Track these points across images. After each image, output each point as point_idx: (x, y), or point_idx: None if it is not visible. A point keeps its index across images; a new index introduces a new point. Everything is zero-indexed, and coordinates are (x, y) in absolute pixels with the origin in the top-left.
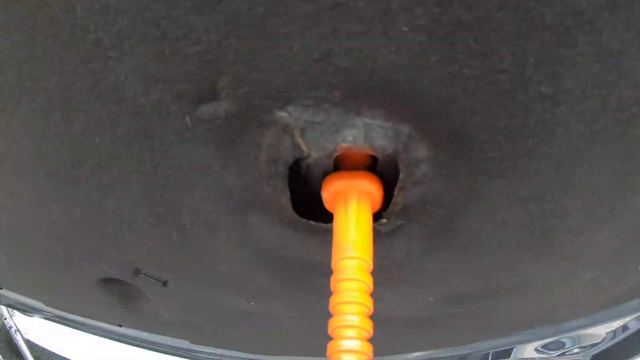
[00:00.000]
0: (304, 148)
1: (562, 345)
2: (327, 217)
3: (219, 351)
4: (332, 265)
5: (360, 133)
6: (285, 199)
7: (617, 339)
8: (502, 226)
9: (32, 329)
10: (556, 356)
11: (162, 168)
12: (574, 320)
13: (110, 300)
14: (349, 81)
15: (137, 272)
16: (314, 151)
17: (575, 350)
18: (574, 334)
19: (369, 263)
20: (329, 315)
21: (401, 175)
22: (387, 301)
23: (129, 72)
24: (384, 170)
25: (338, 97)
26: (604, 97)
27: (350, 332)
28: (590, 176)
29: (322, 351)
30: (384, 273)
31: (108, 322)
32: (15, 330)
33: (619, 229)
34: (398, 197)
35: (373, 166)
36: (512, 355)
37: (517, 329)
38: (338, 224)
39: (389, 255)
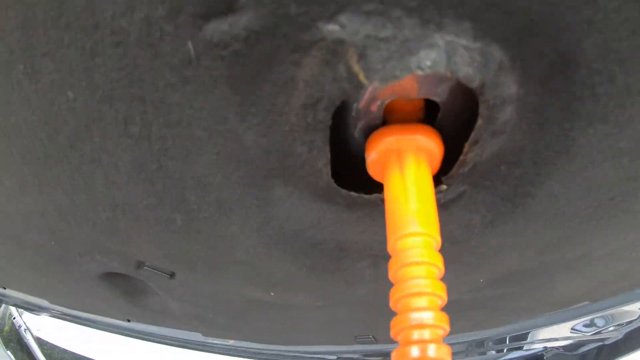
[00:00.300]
0: (363, 79)
1: (599, 323)
2: (367, 188)
3: (232, 342)
4: (389, 247)
5: (442, 56)
6: (323, 162)
7: None
8: (587, 188)
9: (41, 326)
10: (590, 335)
11: (157, 126)
12: (614, 297)
13: (116, 296)
14: None
15: (140, 264)
16: (378, 82)
17: (611, 328)
18: (609, 312)
19: (437, 240)
20: (360, 303)
21: (479, 122)
22: None
23: None
24: (443, 123)
25: (414, 3)
26: None
27: (424, 334)
28: None
29: (347, 339)
30: None
31: (116, 318)
32: (25, 329)
33: None
34: (469, 154)
35: (428, 118)
36: (529, 336)
37: (556, 309)
38: (394, 191)
39: (443, 230)
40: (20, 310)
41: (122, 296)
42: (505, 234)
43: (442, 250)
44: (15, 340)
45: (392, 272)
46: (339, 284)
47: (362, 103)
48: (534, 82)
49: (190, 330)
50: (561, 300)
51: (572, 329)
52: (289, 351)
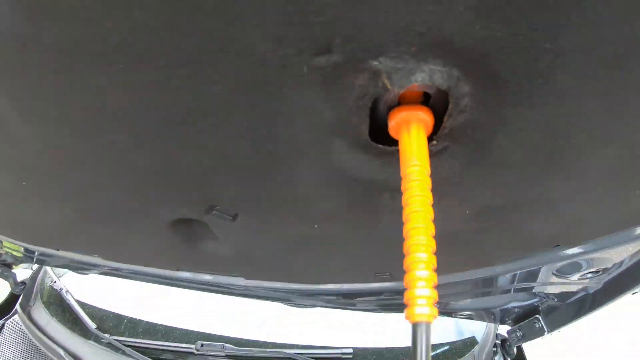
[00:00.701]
0: (389, 86)
1: (579, 267)
2: (389, 143)
3: (271, 284)
4: (402, 173)
5: (427, 75)
6: (364, 127)
7: (625, 266)
8: (523, 145)
9: (81, 289)
10: (575, 279)
11: (274, 106)
12: (585, 243)
13: (176, 243)
14: (422, 41)
15: (210, 209)
16: (397, 88)
17: (589, 275)
18: (587, 257)
19: (427, 169)
20: (380, 237)
21: (450, 106)
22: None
23: (263, 36)
24: (434, 105)
25: (414, 51)
26: (587, 52)
27: (418, 216)
28: (586, 106)
29: (368, 277)
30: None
31: (166, 267)
32: (66, 291)
33: (615, 152)
34: (446, 123)
35: (425, 102)
36: (537, 278)
37: (537, 249)
38: (404, 144)
39: (435, 171)
40: (60, 274)
41: (183, 242)
42: (477, 174)
43: (435, 186)
44: (57, 303)
45: (403, 186)
46: (368, 213)
47: (387, 95)
48: (479, 85)
49: (234, 275)
50: (537, 240)
51: (553, 273)
52: (312, 290)
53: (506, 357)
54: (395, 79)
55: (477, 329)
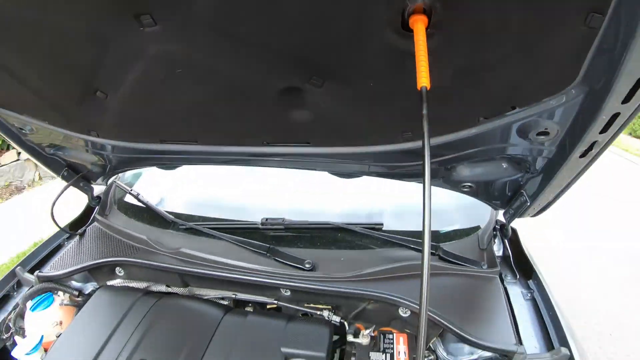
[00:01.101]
0: (409, 4)
1: (535, 126)
2: (409, 31)
3: (330, 150)
4: (415, 40)
5: (422, 1)
6: (399, 21)
7: (564, 130)
8: (470, 31)
9: (151, 198)
10: (532, 138)
11: (364, 15)
12: (529, 105)
13: (271, 115)
14: None
15: (310, 77)
16: (412, 5)
17: (542, 137)
18: (536, 118)
19: (425, 41)
20: (405, 92)
21: (432, 12)
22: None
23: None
24: (428, 13)
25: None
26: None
27: (422, 54)
28: (491, 12)
29: (397, 137)
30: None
31: (254, 145)
32: (140, 195)
33: (518, 40)
34: (432, 20)
35: (424, 12)
36: (507, 140)
37: (501, 110)
38: (416, 30)
39: (430, 45)
40: (127, 182)
41: (283, 111)
42: (450, 45)
43: (431, 56)
44: (132, 209)
45: (415, 46)
46: (399, 71)
47: (408, 8)
48: (443, 4)
49: (305, 144)
50: (499, 100)
51: (516, 132)
52: (359, 153)
53: (503, 238)
54: (411, 2)
55: (481, 220)
